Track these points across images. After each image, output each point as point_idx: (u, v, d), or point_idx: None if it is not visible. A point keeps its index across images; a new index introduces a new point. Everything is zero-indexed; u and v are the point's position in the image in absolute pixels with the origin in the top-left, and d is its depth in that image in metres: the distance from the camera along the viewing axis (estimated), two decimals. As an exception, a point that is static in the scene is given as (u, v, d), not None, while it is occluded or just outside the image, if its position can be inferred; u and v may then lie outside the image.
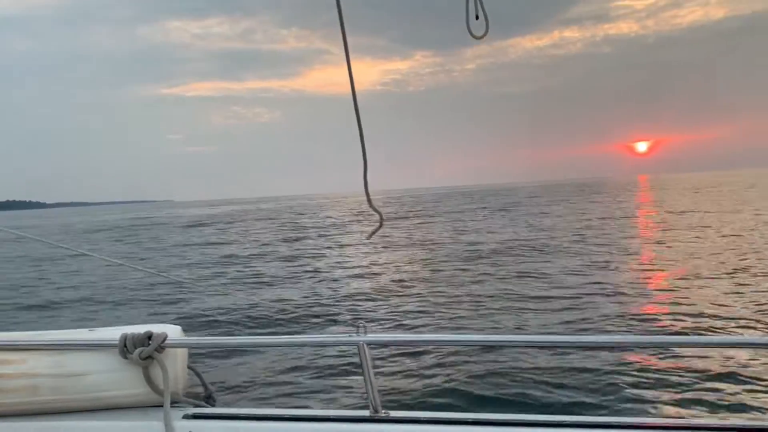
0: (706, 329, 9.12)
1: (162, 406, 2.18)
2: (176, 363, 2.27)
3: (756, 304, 10.60)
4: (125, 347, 2.20)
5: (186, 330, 2.44)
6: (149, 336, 2.21)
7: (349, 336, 2.25)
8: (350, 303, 12.82)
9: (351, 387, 7.10)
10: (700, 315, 10.00)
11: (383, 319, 10.44)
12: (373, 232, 2.48)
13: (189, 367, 2.40)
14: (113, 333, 2.26)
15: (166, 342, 2.21)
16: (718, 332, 8.94)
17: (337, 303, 12.93)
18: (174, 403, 2.25)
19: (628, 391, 6.62)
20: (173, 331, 2.29)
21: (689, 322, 9.54)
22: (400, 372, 7.52)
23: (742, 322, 9.42)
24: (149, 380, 2.21)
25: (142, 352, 2.18)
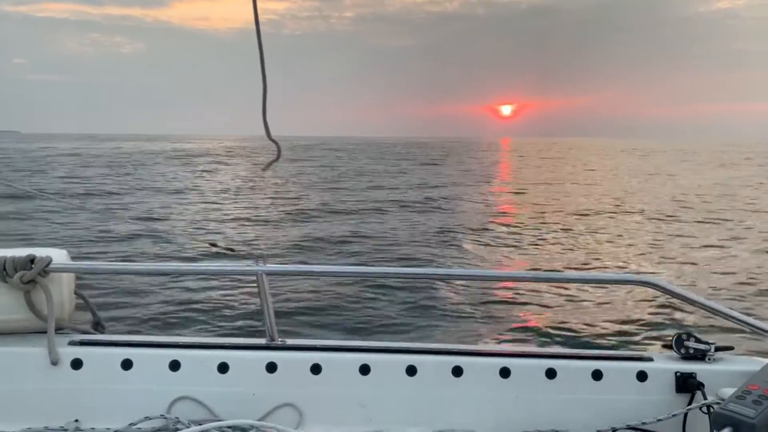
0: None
1: (46, 332, 2.10)
2: (62, 288, 2.17)
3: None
4: (4, 270, 2.08)
5: (73, 255, 2.33)
6: (32, 259, 2.09)
7: (248, 266, 2.24)
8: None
9: (248, 315, 7.12)
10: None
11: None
12: (270, 164, 2.42)
13: (76, 293, 2.31)
14: None
15: (51, 266, 2.10)
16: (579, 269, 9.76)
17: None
18: (60, 329, 2.17)
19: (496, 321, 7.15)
20: (58, 255, 2.18)
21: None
22: (297, 301, 7.62)
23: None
24: (32, 305, 2.11)
25: (23, 275, 2.06)
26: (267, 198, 22.30)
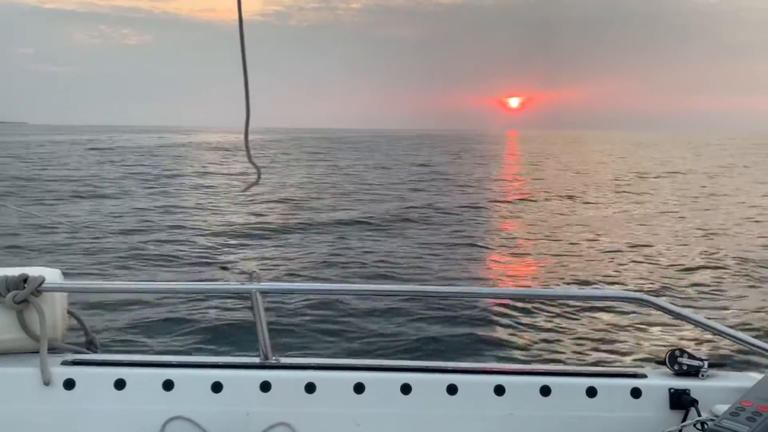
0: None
1: (38, 352, 2.09)
2: (55, 308, 2.16)
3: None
4: (-3, 290, 2.07)
5: (66, 273, 2.33)
6: (24, 279, 2.09)
7: (242, 284, 2.24)
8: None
9: (242, 334, 7.09)
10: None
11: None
12: (250, 186, 2.44)
13: (69, 312, 2.30)
14: None
15: (44, 285, 2.10)
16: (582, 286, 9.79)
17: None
18: (52, 349, 2.16)
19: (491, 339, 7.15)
20: (51, 275, 2.18)
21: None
22: (291, 319, 7.59)
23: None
24: (24, 325, 2.10)
25: (16, 295, 2.06)
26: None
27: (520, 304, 8.17)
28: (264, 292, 2.23)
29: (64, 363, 2.15)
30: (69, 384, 2.08)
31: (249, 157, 2.20)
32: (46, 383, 2.06)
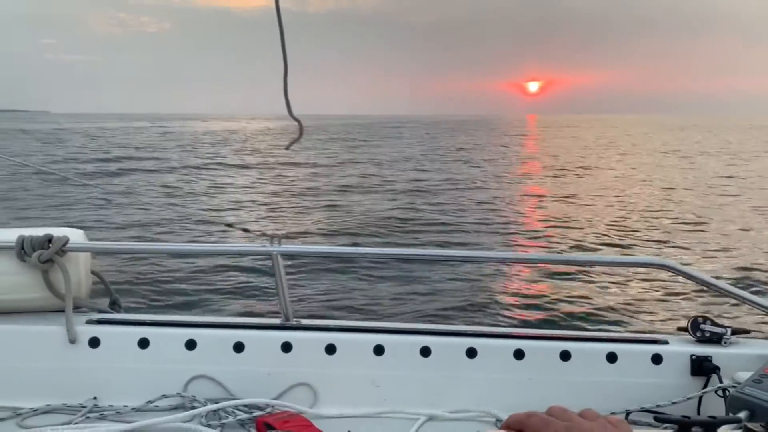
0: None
1: (63, 311, 2.12)
2: (78, 267, 2.19)
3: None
4: (23, 250, 2.10)
5: (90, 234, 2.35)
6: (49, 239, 2.11)
7: (263, 246, 2.25)
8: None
9: (263, 295, 7.18)
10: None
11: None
12: (293, 142, 2.42)
13: (93, 272, 2.33)
14: (9, 235, 2.14)
15: (68, 245, 2.12)
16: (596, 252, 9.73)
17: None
18: (77, 308, 2.19)
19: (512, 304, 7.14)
20: (75, 235, 2.20)
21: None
22: (312, 282, 7.66)
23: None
24: (50, 284, 2.13)
25: (41, 255, 2.09)
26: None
27: (541, 269, 8.15)
28: (285, 255, 2.23)
29: (89, 322, 2.19)
30: (94, 342, 2.12)
31: (290, 112, 2.18)
32: (72, 341, 2.10)
